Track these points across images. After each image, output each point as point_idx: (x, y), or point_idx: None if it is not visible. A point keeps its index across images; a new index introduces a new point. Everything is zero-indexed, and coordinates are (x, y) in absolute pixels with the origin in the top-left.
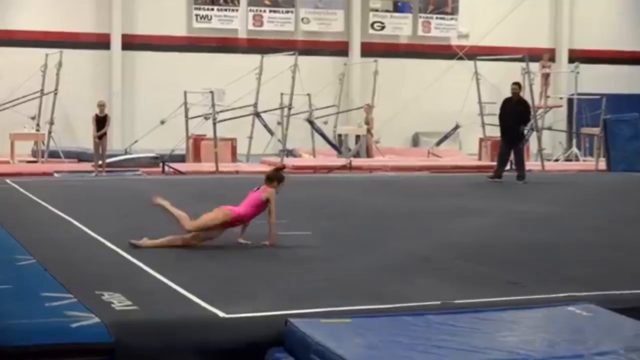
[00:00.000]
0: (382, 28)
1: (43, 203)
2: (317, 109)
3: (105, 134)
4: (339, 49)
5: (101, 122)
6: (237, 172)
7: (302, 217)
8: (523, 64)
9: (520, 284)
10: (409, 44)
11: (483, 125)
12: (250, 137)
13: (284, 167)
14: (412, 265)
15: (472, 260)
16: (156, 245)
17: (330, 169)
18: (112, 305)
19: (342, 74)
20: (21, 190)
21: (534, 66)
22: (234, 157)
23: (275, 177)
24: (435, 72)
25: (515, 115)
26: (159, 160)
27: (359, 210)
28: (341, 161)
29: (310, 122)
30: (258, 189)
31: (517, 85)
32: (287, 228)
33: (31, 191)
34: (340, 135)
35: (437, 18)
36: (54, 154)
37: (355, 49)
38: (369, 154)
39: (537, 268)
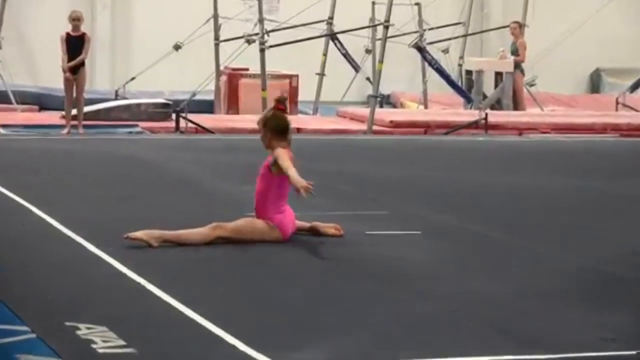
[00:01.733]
0: None
1: None
2: (431, 29)
3: (82, 65)
4: None
5: (75, 45)
6: (297, 130)
7: (407, 207)
8: None
9: None
10: None
11: None
12: (321, 74)
13: (282, 100)
14: (591, 289)
15: None
16: (166, 239)
17: (452, 127)
18: (93, 345)
19: None
20: None
21: None
22: (294, 105)
23: (269, 125)
24: None
25: None
26: (170, 109)
27: (499, 197)
28: (471, 115)
29: (420, 50)
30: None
31: None
32: (384, 224)
33: None
34: (469, 73)
35: None
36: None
37: None
38: (517, 104)
39: None
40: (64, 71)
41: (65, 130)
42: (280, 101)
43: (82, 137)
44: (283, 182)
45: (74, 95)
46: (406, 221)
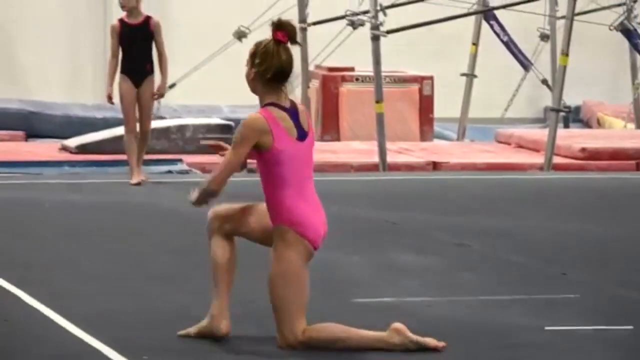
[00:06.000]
0: None
1: None
2: None
3: (152, 72)
4: None
5: (135, 38)
6: (433, 165)
7: (610, 287)
8: None
9: None
10: None
11: None
12: (471, 75)
13: (284, 25)
14: None
15: None
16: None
17: None
18: None
19: None
20: None
21: None
22: (426, 126)
23: (255, 62)
24: None
25: None
26: (231, 134)
27: None
28: None
29: (628, 34)
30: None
31: None
32: (574, 314)
33: None
34: None
35: None
36: None
37: None
38: None
39: None
40: (111, 95)
41: (134, 179)
42: (280, 26)
43: (78, 179)
44: (281, 157)
45: (141, 123)
46: (610, 309)
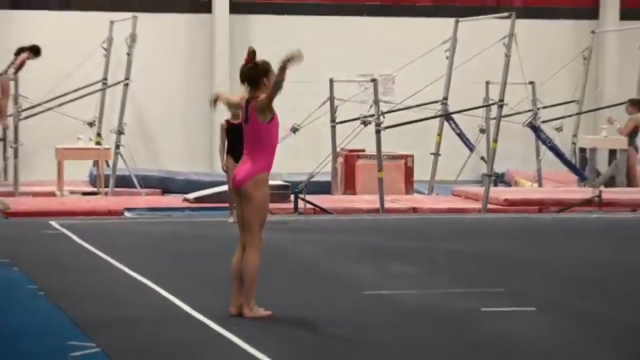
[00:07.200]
0: None
1: (112, 261)
2: (545, 107)
3: None
4: (583, 8)
5: (237, 133)
6: (413, 210)
7: (523, 285)
8: None
9: None
10: None
11: None
12: (436, 154)
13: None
14: None
15: None
16: None
17: (566, 205)
18: None
19: (587, 49)
20: (76, 239)
21: None
22: (409, 185)
23: (260, 69)
24: None
25: None
26: (289, 191)
27: (617, 275)
28: (585, 192)
29: (534, 129)
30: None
31: None
32: (500, 301)
33: (93, 242)
34: (583, 151)
35: None
36: (123, 181)
37: (611, 8)
38: (630, 181)
39: None
40: (224, 167)
41: (231, 219)
42: (247, 53)
43: (203, 219)
44: None
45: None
46: (521, 297)
